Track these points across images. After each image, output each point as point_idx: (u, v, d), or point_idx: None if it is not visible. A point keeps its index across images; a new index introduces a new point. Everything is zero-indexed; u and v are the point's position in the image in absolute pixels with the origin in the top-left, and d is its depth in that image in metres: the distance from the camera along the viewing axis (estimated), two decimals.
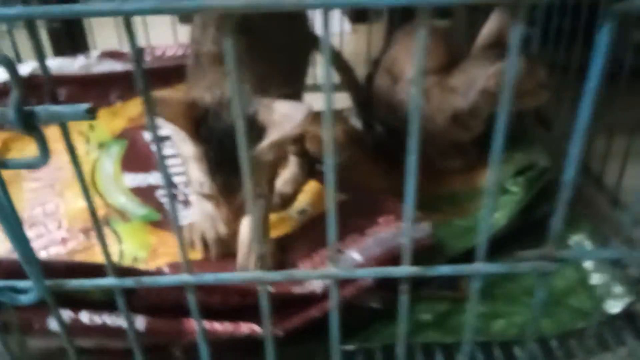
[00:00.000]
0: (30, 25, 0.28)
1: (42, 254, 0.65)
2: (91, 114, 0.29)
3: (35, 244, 0.66)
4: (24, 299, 0.36)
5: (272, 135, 0.49)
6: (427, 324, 0.58)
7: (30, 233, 0.68)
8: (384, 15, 1.33)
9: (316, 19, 1.11)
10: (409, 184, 0.35)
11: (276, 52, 0.63)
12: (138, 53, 0.28)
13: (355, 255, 0.57)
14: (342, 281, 0.50)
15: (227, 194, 0.51)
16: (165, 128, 0.51)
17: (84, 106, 0.29)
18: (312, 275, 0.36)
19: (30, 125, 0.29)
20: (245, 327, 0.47)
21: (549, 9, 0.90)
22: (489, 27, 0.79)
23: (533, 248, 0.72)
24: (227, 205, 0.52)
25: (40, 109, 0.29)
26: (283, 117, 0.49)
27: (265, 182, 0.55)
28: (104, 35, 1.02)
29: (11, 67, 0.28)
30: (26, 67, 0.89)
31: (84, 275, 0.38)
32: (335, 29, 1.15)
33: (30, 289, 0.36)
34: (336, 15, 1.17)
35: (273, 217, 0.66)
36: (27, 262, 0.35)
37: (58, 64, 0.89)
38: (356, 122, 0.99)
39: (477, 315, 0.59)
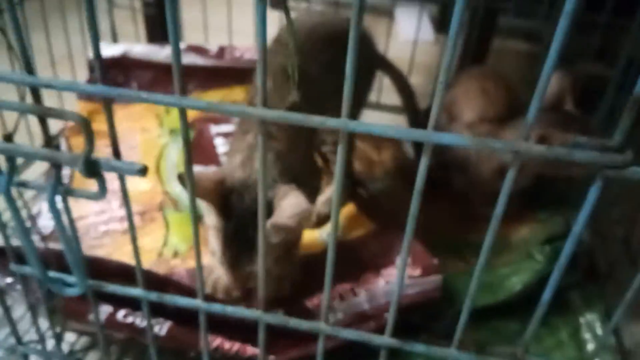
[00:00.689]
0: None
1: (102, 228, 0.74)
2: (142, 173, 0.36)
3: (99, 218, 0.76)
4: (70, 292, 0.44)
5: (272, 219, 0.52)
6: None
7: (95, 207, 0.77)
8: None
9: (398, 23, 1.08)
10: (402, 259, 0.39)
11: (337, 88, 0.67)
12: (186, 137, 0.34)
13: (363, 301, 0.62)
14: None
15: (234, 267, 0.56)
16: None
17: (138, 165, 0.36)
18: (303, 326, 0.42)
19: (93, 172, 0.36)
20: (250, 350, 0.53)
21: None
22: (549, 90, 0.80)
23: (550, 314, 0.74)
24: (233, 276, 0.57)
25: (103, 161, 0.36)
26: (286, 206, 0.53)
27: (274, 260, 0.57)
28: (191, 34, 1.09)
29: (87, 127, 0.34)
30: (118, 48, 0.98)
31: (124, 277, 0.45)
32: (411, 36, 1.11)
33: (76, 284, 0.44)
34: (416, 20, 1.12)
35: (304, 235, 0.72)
36: (75, 265, 0.42)
37: (148, 50, 0.98)
38: (409, 149, 1.02)
39: None
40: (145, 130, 0.92)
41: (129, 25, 1.07)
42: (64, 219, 0.40)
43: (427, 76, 1.09)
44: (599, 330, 0.69)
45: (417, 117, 0.97)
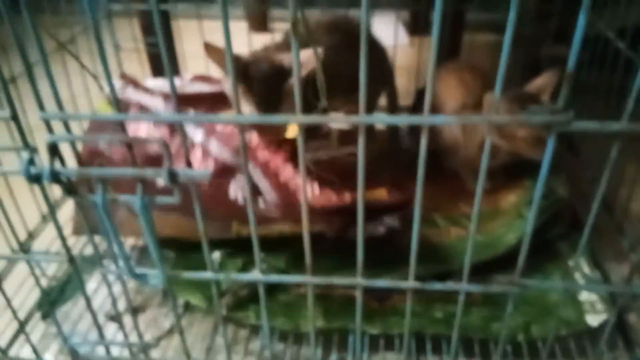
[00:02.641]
0: None
1: None
2: (210, 177, 0.47)
3: None
4: (153, 283, 0.55)
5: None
6: (439, 320, 0.74)
7: None
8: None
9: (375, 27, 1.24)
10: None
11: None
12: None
13: None
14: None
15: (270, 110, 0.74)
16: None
17: (207, 172, 0.47)
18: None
19: (174, 181, 0.47)
20: None
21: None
22: (535, 82, 0.89)
23: (542, 262, 0.85)
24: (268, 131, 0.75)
25: (181, 172, 0.47)
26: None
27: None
28: (194, 62, 1.20)
29: (167, 148, 0.46)
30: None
31: None
32: (391, 40, 1.25)
33: (158, 276, 0.55)
34: (393, 26, 1.27)
35: None
36: (157, 261, 0.53)
37: (154, 84, 1.09)
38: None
39: (481, 317, 0.75)
40: None
41: (135, 65, 1.18)
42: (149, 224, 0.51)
43: (407, 76, 1.20)
44: (586, 269, 0.81)
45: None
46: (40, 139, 0.48)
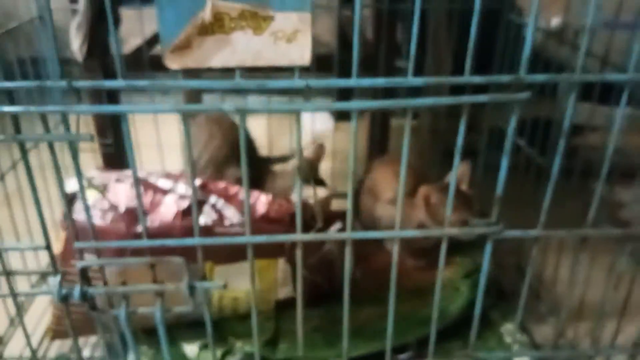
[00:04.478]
0: None
1: None
2: (224, 286, 0.56)
3: None
4: None
5: None
6: None
7: None
8: (365, 113, 1.57)
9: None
10: None
11: None
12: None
13: None
14: None
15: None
16: None
17: (221, 282, 0.56)
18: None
19: (192, 292, 0.56)
20: None
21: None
22: (450, 175, 1.08)
23: (479, 330, 0.98)
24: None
25: (197, 284, 0.56)
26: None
27: None
28: (149, 152, 1.28)
29: (187, 264, 0.54)
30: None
31: None
32: (319, 126, 1.39)
33: None
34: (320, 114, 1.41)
35: None
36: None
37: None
38: None
39: None
40: None
41: (89, 162, 1.24)
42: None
43: (333, 159, 1.35)
44: (518, 335, 0.95)
45: None
46: None
